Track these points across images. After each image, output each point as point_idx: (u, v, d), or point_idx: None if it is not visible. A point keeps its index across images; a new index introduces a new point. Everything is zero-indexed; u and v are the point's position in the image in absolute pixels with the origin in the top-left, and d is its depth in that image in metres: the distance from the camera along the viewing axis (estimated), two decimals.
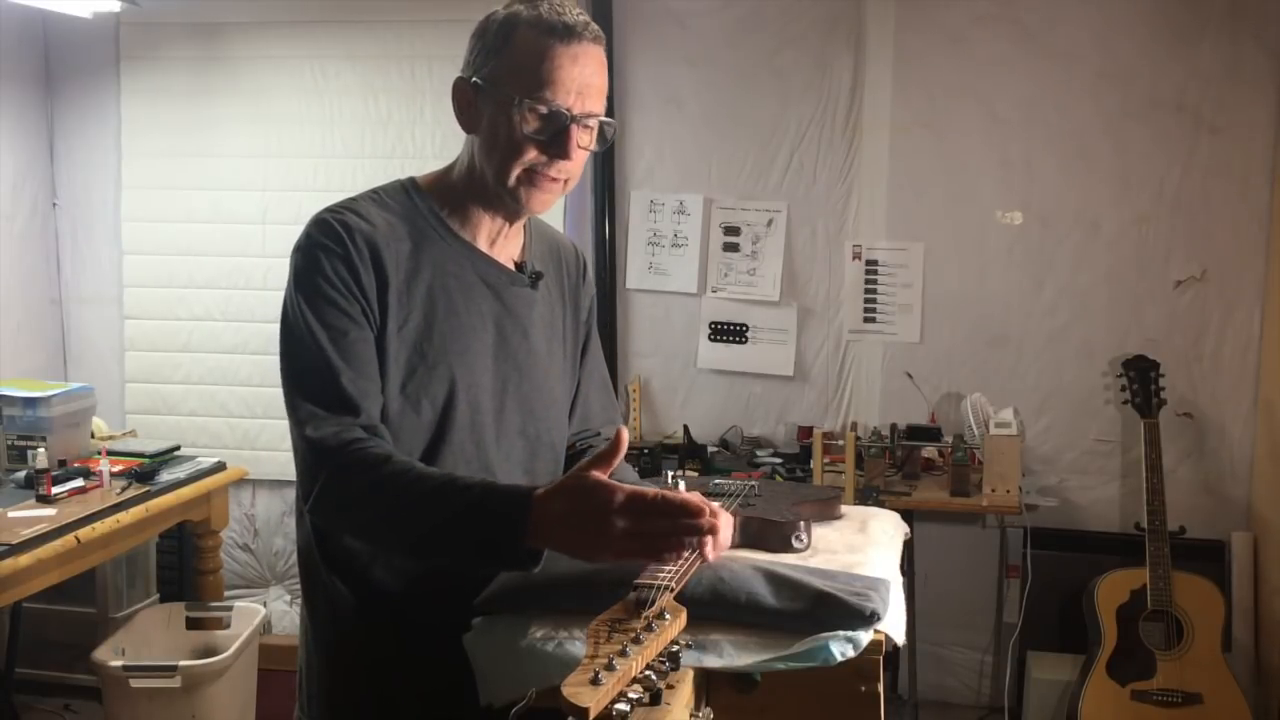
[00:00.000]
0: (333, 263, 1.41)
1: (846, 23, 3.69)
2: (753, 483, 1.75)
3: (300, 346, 1.41)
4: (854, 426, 3.56)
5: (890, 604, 1.33)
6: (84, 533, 2.82)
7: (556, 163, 1.45)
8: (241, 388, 4.02)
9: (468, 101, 1.48)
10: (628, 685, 1.05)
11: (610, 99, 1.50)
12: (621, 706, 1.02)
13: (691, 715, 1.18)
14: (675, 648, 1.16)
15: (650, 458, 3.57)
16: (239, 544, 4.11)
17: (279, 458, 3.90)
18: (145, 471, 3.21)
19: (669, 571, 1.22)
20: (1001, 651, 3.71)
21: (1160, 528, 3.23)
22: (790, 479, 3.43)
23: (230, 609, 3.45)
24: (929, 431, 3.58)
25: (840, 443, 3.42)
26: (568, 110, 1.42)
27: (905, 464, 3.55)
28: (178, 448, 3.49)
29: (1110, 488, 3.68)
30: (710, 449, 3.69)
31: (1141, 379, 3.38)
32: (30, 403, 3.22)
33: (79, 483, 3.04)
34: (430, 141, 3.86)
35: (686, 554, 1.24)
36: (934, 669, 3.81)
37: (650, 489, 1.22)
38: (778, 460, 3.61)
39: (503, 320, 1.53)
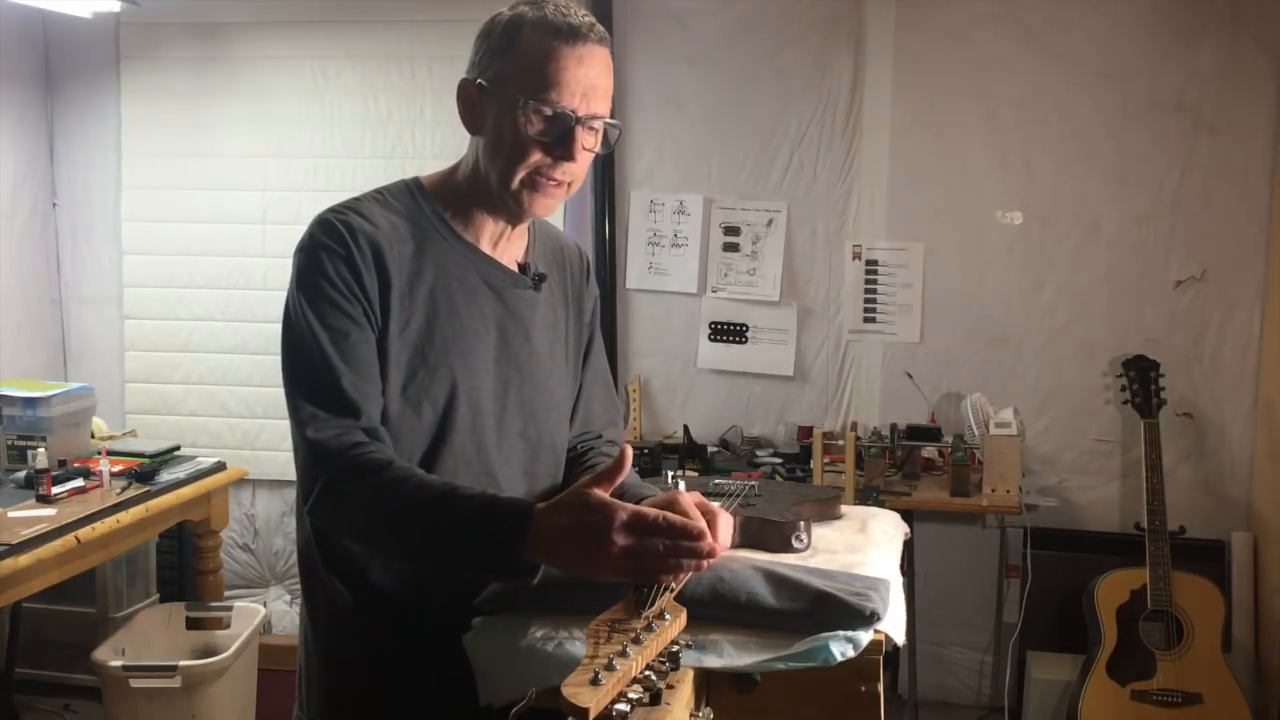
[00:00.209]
0: (335, 264, 1.41)
1: (846, 23, 3.69)
2: (753, 483, 1.75)
3: (301, 347, 1.40)
4: (854, 426, 3.56)
5: (890, 604, 1.33)
6: (84, 533, 2.82)
7: (561, 164, 1.44)
8: (241, 388, 4.02)
9: (472, 103, 1.48)
10: (628, 685, 1.05)
11: (611, 99, 1.50)
12: (621, 707, 1.02)
13: (691, 715, 1.19)
14: (675, 648, 1.16)
15: (650, 458, 3.57)
16: (239, 544, 4.11)
17: (279, 458, 3.90)
18: (145, 471, 3.21)
19: None
20: (1001, 651, 3.71)
21: (1160, 528, 3.23)
22: (790, 479, 3.43)
23: (230, 609, 3.45)
24: (929, 431, 3.58)
25: (840, 443, 3.42)
26: (573, 112, 1.42)
27: (905, 464, 3.55)
28: (178, 448, 3.49)
29: (1110, 488, 3.68)
30: (710, 449, 3.69)
31: (1141, 379, 3.38)
32: (30, 403, 3.22)
33: (79, 483, 3.04)
34: (430, 141, 3.86)
35: (683, 576, 1.24)
36: (934, 669, 3.81)
37: (652, 510, 1.22)
38: (778, 460, 3.61)
39: (505, 322, 1.53)
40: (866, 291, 3.76)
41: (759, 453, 3.68)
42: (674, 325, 3.90)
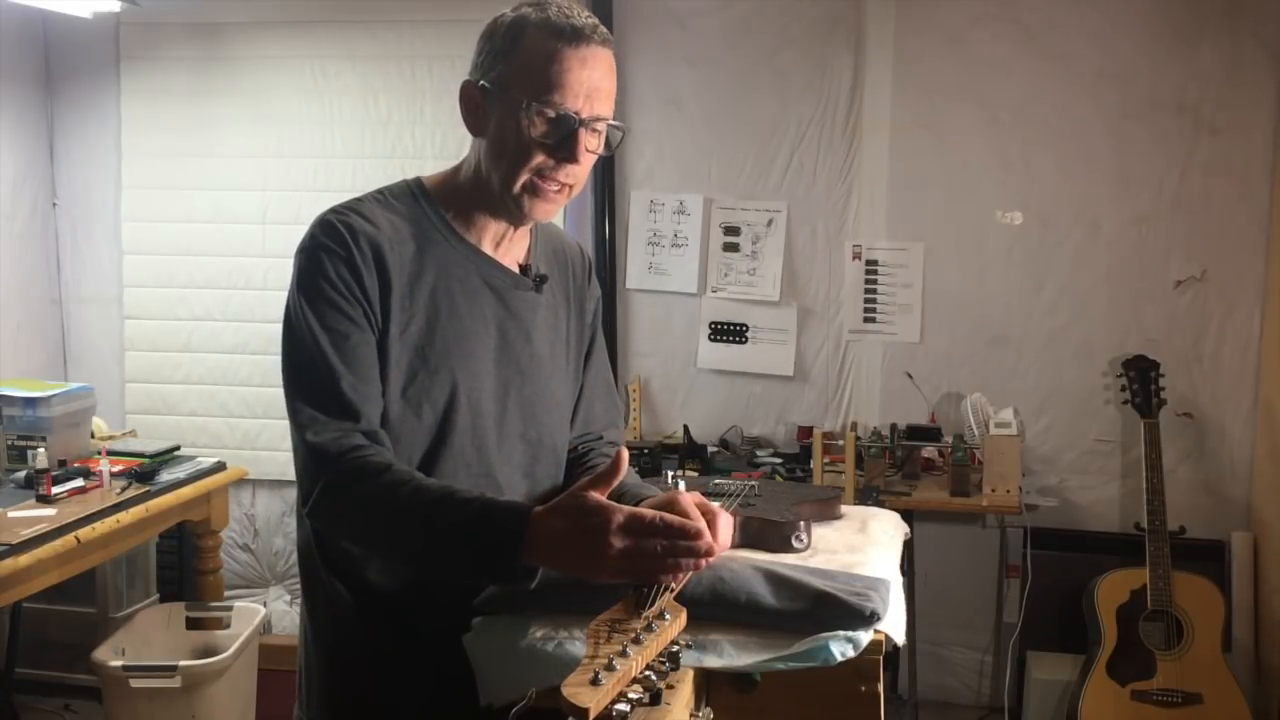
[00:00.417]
0: (335, 265, 1.40)
1: (846, 23, 3.69)
2: (753, 483, 1.75)
3: (302, 349, 1.40)
4: (854, 426, 3.56)
5: (890, 604, 1.33)
6: (84, 533, 2.82)
7: (564, 167, 1.44)
8: (241, 388, 4.02)
9: (475, 104, 1.47)
10: (628, 685, 1.05)
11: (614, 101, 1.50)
12: (621, 707, 1.02)
13: (691, 715, 1.19)
14: (675, 648, 1.16)
15: (650, 458, 3.57)
16: (239, 544, 4.11)
17: (279, 458, 3.90)
18: (145, 471, 3.21)
19: None
20: (1001, 651, 3.71)
21: (1160, 528, 3.23)
22: (790, 479, 3.43)
23: (230, 609, 3.45)
24: (929, 431, 3.58)
25: (840, 443, 3.42)
26: (576, 114, 1.41)
27: (905, 464, 3.55)
28: (178, 448, 3.49)
29: (1110, 488, 3.68)
30: (710, 449, 3.69)
31: (1141, 379, 3.38)
32: (30, 403, 3.23)
33: (79, 483, 3.04)
34: (430, 141, 3.86)
35: (683, 576, 1.24)
36: (934, 669, 3.81)
37: (649, 511, 1.22)
38: (778, 460, 3.61)
39: (506, 324, 1.53)
40: (866, 291, 3.76)
41: (759, 453, 3.68)
42: (674, 325, 3.90)
